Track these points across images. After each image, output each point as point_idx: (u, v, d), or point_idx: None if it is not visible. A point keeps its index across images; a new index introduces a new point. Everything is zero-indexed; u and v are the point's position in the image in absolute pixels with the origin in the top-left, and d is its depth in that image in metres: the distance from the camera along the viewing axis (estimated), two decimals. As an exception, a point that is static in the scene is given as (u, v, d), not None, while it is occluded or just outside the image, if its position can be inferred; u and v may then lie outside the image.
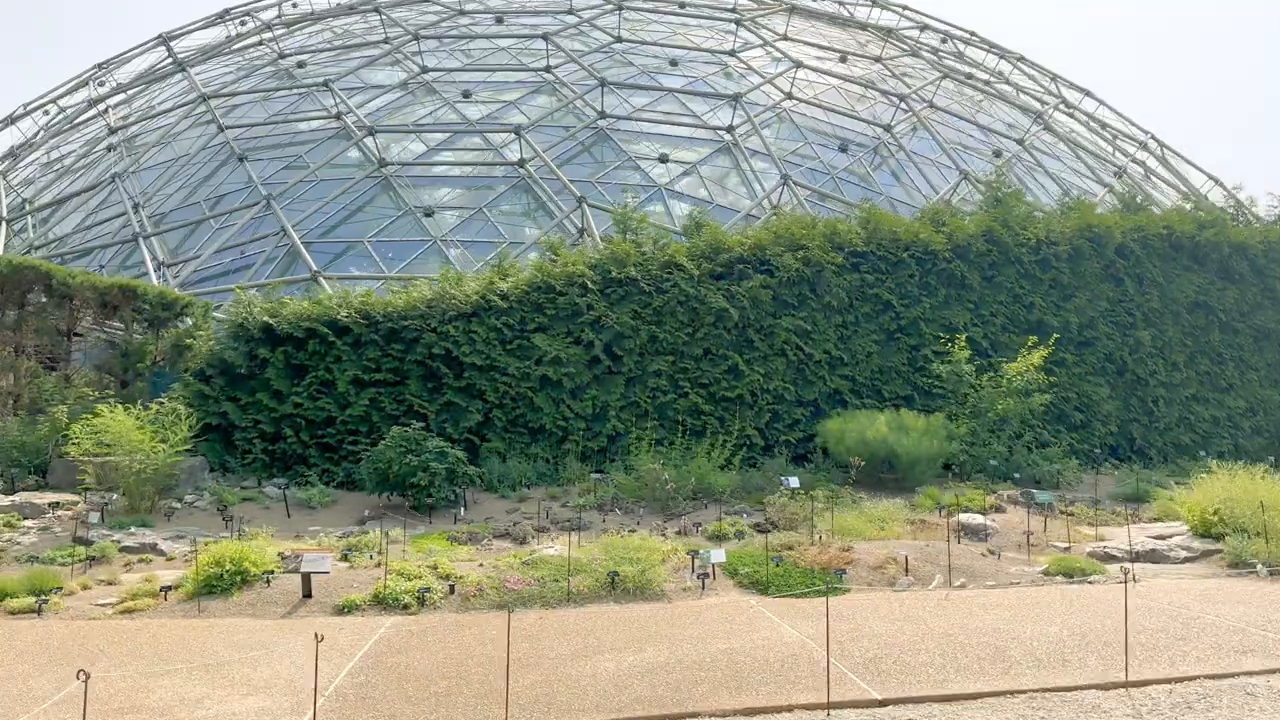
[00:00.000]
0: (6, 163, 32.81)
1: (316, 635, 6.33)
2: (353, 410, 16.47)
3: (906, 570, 9.86)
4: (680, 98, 28.91)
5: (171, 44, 38.36)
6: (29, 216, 28.79)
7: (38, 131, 35.82)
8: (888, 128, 28.23)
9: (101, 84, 36.28)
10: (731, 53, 30.98)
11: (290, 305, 17.07)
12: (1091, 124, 35.13)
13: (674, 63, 29.82)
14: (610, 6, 32.15)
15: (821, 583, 9.45)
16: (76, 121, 32.93)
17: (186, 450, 14.96)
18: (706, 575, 9.68)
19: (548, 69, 29.17)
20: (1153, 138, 35.24)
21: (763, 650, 7.43)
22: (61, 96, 37.53)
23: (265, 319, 16.60)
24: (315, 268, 22.76)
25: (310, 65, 31.21)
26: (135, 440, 14.61)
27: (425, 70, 29.55)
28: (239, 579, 10.08)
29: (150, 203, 26.77)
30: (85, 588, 10.89)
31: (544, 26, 31.69)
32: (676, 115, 28.19)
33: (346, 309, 16.67)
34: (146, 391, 18.27)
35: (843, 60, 31.37)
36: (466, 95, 28.22)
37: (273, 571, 10.28)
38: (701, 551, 10.08)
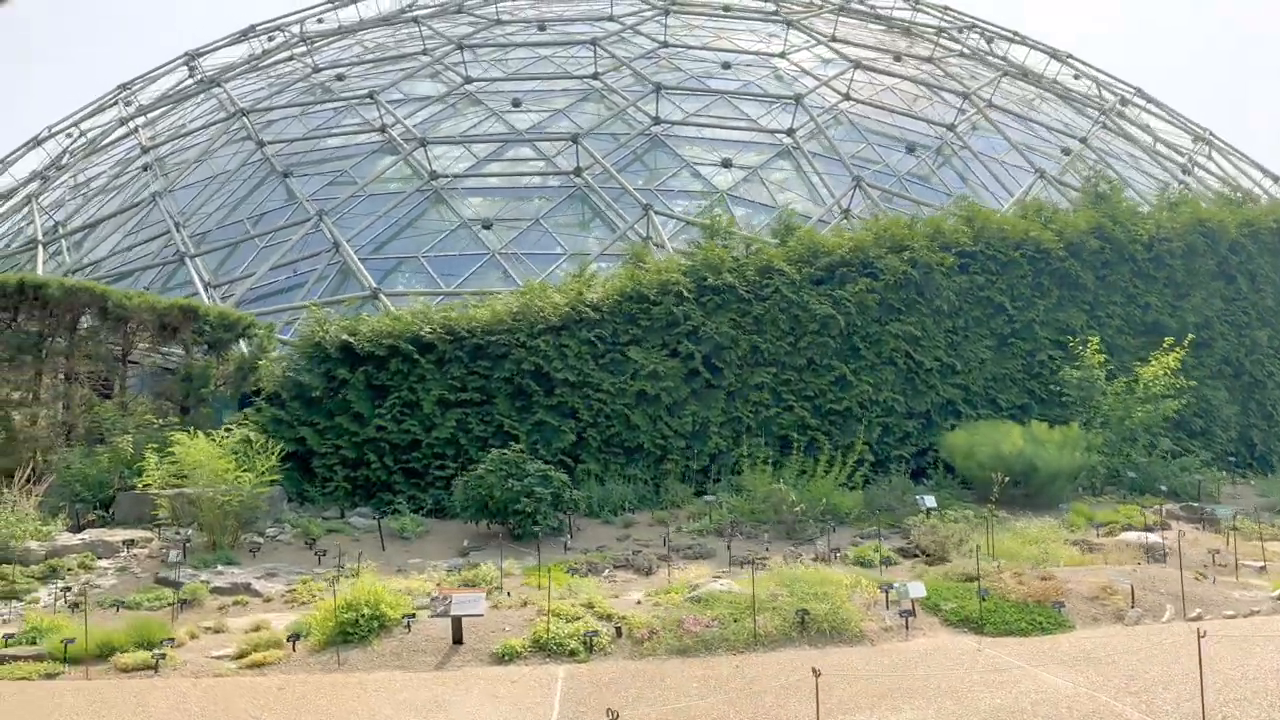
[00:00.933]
0: (34, 185, 31.84)
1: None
2: (439, 433, 15.40)
3: (1133, 601, 8.78)
4: (733, 101, 27.95)
5: (196, 62, 37.56)
6: (63, 240, 27.78)
7: (62, 154, 34.89)
8: (951, 127, 27.25)
9: (129, 104, 35.37)
10: (782, 54, 30.05)
11: (367, 322, 16.03)
12: (1147, 120, 34.17)
13: (726, 66, 28.87)
14: (654, 11, 31.25)
15: (1041, 618, 8.37)
16: (105, 142, 31.98)
17: (269, 480, 13.88)
18: (909, 613, 8.58)
19: (595, 76, 28.22)
20: (1210, 134, 34.27)
21: (1047, 707, 6.35)
22: (86, 118, 36.65)
23: (344, 337, 15.55)
24: (373, 284, 21.74)
25: (349, 79, 30.27)
26: (218, 470, 13.54)
27: (469, 80, 28.61)
28: (376, 624, 8.99)
29: (189, 222, 25.77)
30: (193, 636, 9.80)
31: (586, 34, 30.78)
32: (731, 119, 27.22)
33: (430, 325, 15.61)
34: (211, 418, 17.21)
35: (897, 60, 30.43)
36: (517, 104, 27.25)
37: (413, 615, 9.19)
38: (897, 585, 8.99)
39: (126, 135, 32.41)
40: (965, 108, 27.45)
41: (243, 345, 18.54)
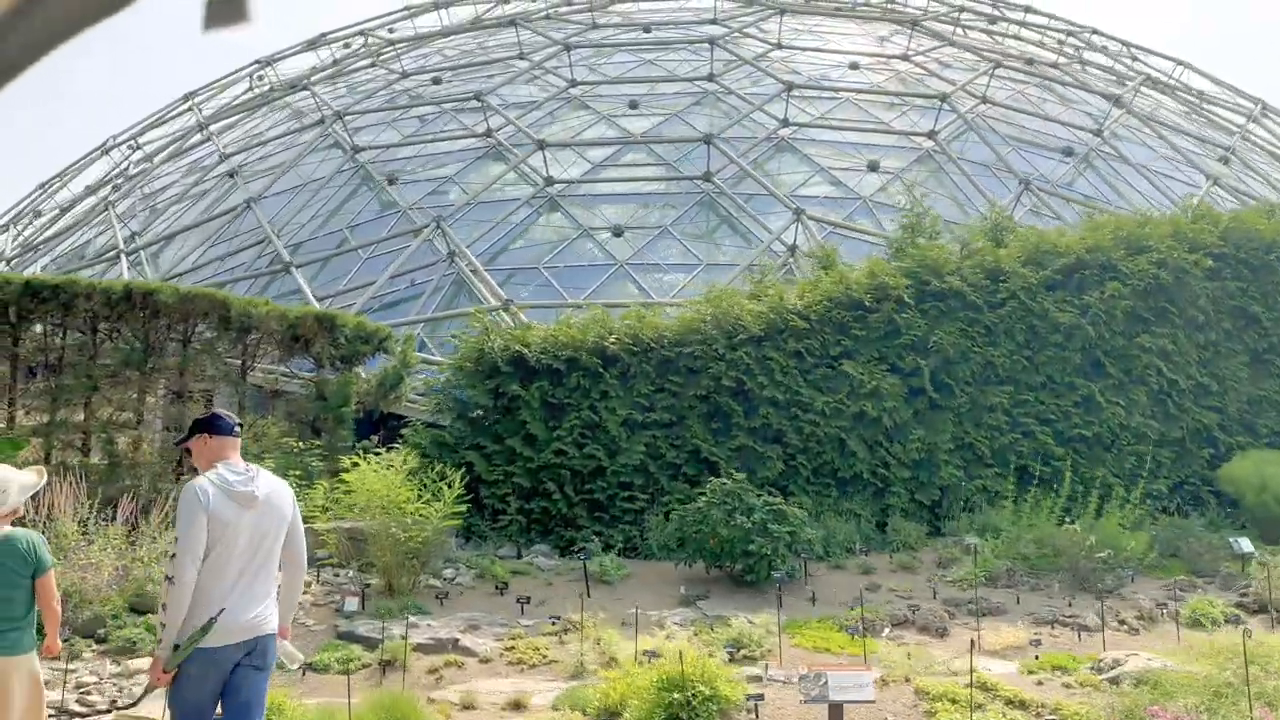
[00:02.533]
0: (104, 192, 30.11)
1: None
2: (626, 458, 13.31)
3: None
4: (859, 103, 26.02)
5: (267, 70, 35.96)
6: (141, 251, 25.94)
7: (122, 162, 33.18)
8: (1097, 131, 25.21)
9: (198, 112, 33.71)
10: (905, 57, 28.13)
11: (538, 331, 14.01)
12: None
13: (855, 66, 26.96)
14: (767, 11, 29.40)
15: None
16: (185, 147, 30.25)
17: (455, 513, 11.80)
18: None
19: (710, 77, 26.34)
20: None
21: None
22: (150, 128, 35.02)
23: (517, 348, 13.52)
24: (502, 295, 19.75)
25: (445, 83, 28.48)
26: (399, 503, 11.47)
27: (573, 84, 26.76)
28: (714, 708, 6.86)
29: (282, 233, 23.89)
30: (447, 717, 7.71)
31: (696, 35, 28.98)
32: (862, 122, 25.27)
33: (615, 334, 13.57)
34: (349, 441, 15.18)
35: (1029, 64, 28.45)
36: (634, 106, 25.37)
37: (760, 697, 7.04)
38: None
39: (201, 143, 30.69)
40: (1113, 111, 25.40)
41: (376, 360, 16.55)
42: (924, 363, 13.68)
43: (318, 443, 14.46)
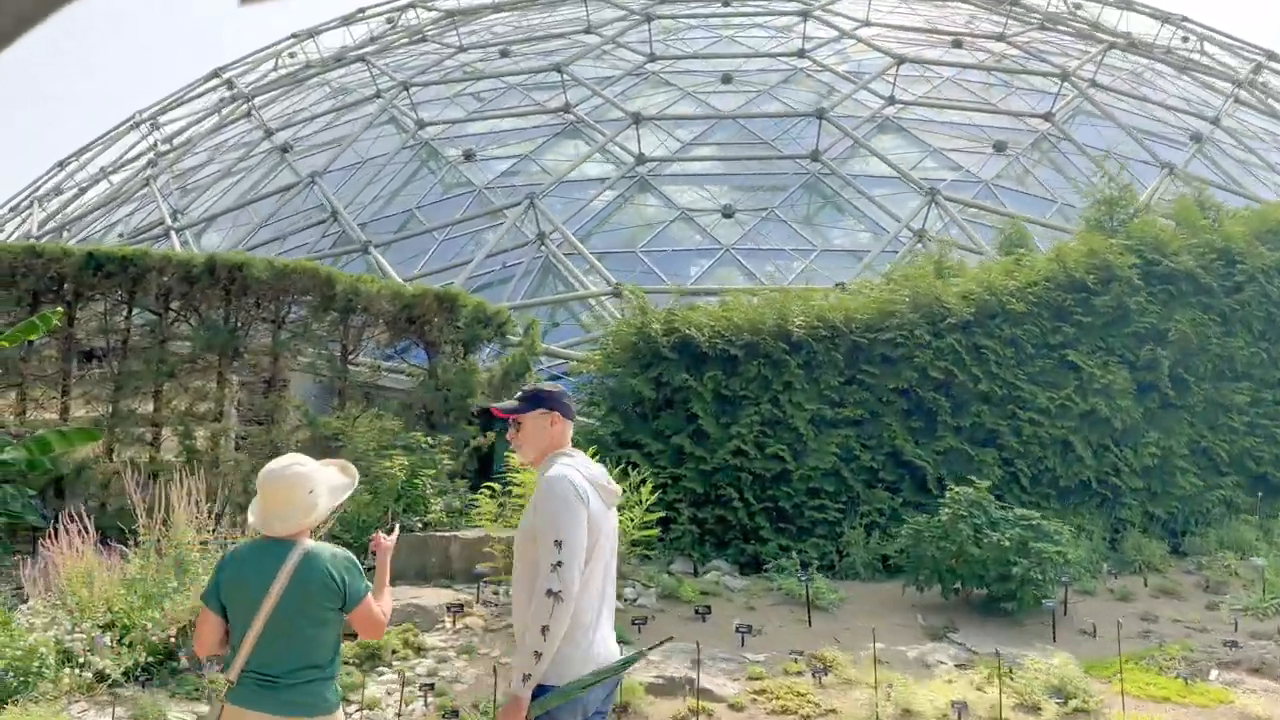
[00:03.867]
0: (136, 166, 27.98)
1: None
2: (816, 460, 11.41)
3: None
4: (964, 84, 24.23)
5: (305, 45, 33.95)
6: (185, 231, 23.85)
7: (144, 141, 31.03)
8: (1215, 121, 23.49)
9: (231, 87, 31.64)
10: (1000, 37, 26.39)
11: (706, 312, 12.11)
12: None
13: (958, 44, 25.19)
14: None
15: None
16: (225, 121, 28.16)
17: (651, 521, 9.88)
18: None
19: (801, 53, 24.52)
20: None
21: None
22: (176, 105, 32.93)
23: (688, 331, 11.62)
24: (611, 279, 17.86)
25: (512, 57, 26.54)
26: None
27: (653, 58, 24.88)
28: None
29: (344, 212, 21.89)
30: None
31: (775, 9, 27.17)
32: (967, 101, 23.49)
33: (801, 316, 11.69)
34: (475, 436, 13.23)
35: (1135, 46, 26.69)
36: (727, 80, 23.50)
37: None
38: None
39: (237, 119, 28.61)
40: (1237, 94, 23.60)
41: (486, 348, 14.62)
42: (1162, 354, 11.82)
43: (446, 438, 12.49)
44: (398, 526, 4.84)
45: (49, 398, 15.33)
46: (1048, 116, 22.10)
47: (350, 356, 14.34)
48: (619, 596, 10.06)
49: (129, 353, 15.07)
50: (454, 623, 9.58)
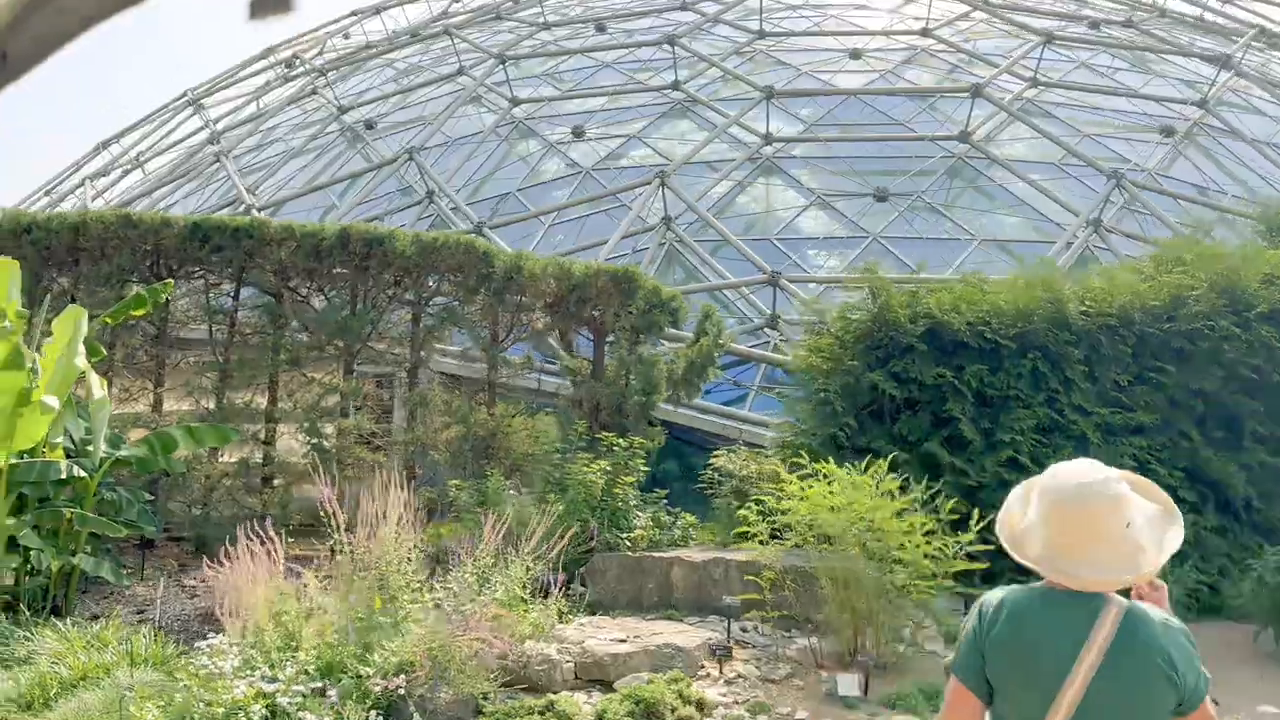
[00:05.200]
0: (192, 145, 26.07)
1: None
2: (1102, 475, 9.45)
3: None
4: (1098, 69, 22.42)
5: (350, 28, 32.14)
6: (258, 213, 21.91)
7: (188, 118, 29.12)
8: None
9: (290, 66, 29.78)
10: (1128, 23, 24.55)
11: (958, 293, 10.22)
12: None
13: (1095, 26, 23.37)
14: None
15: None
16: (293, 99, 26.26)
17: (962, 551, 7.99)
18: None
19: (925, 32, 22.70)
20: None
21: None
22: (228, 84, 31.05)
23: (944, 316, 9.74)
24: (765, 266, 16.01)
25: (608, 33, 24.69)
26: (890, 529, 7.67)
27: (761, 35, 23.05)
28: None
29: (443, 191, 20.02)
30: None
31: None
32: (1110, 86, 21.68)
33: (1081, 299, 9.81)
34: (659, 439, 11.33)
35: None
36: (856, 56, 21.67)
37: None
38: None
39: (304, 97, 26.72)
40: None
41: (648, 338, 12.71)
42: None
43: (640, 441, 10.58)
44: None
45: (140, 388, 13.45)
46: (1202, 103, 20.23)
47: (502, 343, 12.43)
48: (897, 637, 8.16)
49: (237, 338, 13.20)
50: (720, 670, 7.67)
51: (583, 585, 9.23)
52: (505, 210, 19.61)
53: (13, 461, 9.03)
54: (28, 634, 8.13)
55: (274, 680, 6.53)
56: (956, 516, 7.90)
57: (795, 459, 9.66)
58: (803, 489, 7.91)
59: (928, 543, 7.61)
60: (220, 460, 12.87)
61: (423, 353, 12.34)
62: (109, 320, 11.36)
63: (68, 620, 8.69)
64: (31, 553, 9.08)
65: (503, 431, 11.51)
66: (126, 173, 28.78)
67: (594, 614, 8.87)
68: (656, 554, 9.27)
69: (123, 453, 9.88)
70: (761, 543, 8.01)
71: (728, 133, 19.90)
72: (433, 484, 12.25)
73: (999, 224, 18.37)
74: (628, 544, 9.44)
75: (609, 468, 9.67)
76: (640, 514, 9.86)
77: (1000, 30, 23.81)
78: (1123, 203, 17.89)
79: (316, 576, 7.84)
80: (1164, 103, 20.98)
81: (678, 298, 12.17)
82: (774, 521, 8.03)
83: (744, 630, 8.48)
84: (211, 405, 12.88)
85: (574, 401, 11.75)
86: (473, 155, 20.90)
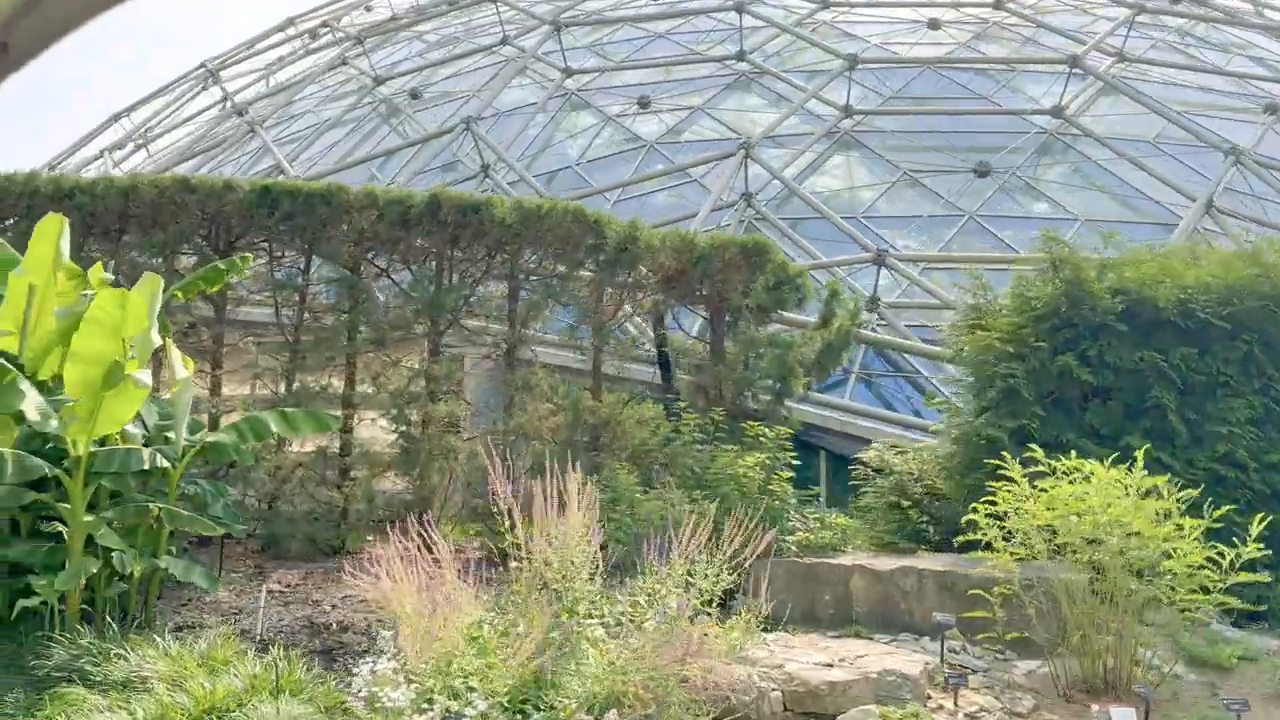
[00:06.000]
0: (236, 119, 24.66)
1: None
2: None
3: None
4: (1174, 46, 21.33)
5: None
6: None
7: (199, 89, 27.71)
8: None
9: (314, 37, 28.39)
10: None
11: (1153, 265, 9.08)
12: None
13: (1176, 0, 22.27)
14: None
15: None
16: (333, 64, 24.87)
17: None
18: None
19: (998, 4, 21.55)
20: None
21: None
22: (248, 55, 29.61)
23: (1144, 291, 8.62)
24: (870, 244, 14.86)
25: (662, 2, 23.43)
26: (1152, 534, 6.53)
27: (826, 5, 21.83)
28: None
29: (498, 165, 18.78)
30: None
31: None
32: (1191, 63, 20.62)
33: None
34: (796, 429, 10.14)
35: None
36: (935, 26, 20.52)
37: None
38: None
39: (334, 67, 25.35)
40: None
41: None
42: None
43: (787, 430, 9.40)
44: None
45: (197, 371, 12.15)
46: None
47: (608, 322, 11.21)
48: (1134, 660, 7.00)
49: (307, 316, 11.94)
50: (955, 701, 6.51)
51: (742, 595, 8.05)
52: (562, 186, 18.38)
53: (91, 449, 7.77)
54: (120, 650, 6.92)
55: (460, 716, 5.35)
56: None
57: (978, 456, 8.55)
58: (1036, 488, 6.77)
59: (1200, 551, 6.46)
60: (290, 450, 11.60)
61: (522, 331, 11.10)
62: (181, 295, 10.12)
63: (153, 633, 7.50)
64: (113, 555, 7.82)
65: (616, 420, 10.30)
66: (139, 147, 27.38)
67: (766, 630, 7.69)
68: (831, 560, 8.11)
69: (211, 439, 8.62)
70: (990, 549, 6.84)
71: (794, 103, 18.72)
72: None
73: (1094, 203, 17.27)
74: (793, 549, 8.26)
75: (765, 461, 8.48)
76: (803, 513, 8.69)
77: (1067, 4, 22.75)
78: (1226, 183, 16.83)
79: (469, 583, 6.65)
80: (1250, 80, 19.93)
81: (804, 275, 10.99)
82: (1004, 526, 6.86)
83: (954, 652, 7.33)
84: (281, 389, 11.64)
85: (696, 388, 10.53)
86: (526, 127, 19.64)
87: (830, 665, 6.60)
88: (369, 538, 11.61)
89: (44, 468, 7.46)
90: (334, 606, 8.84)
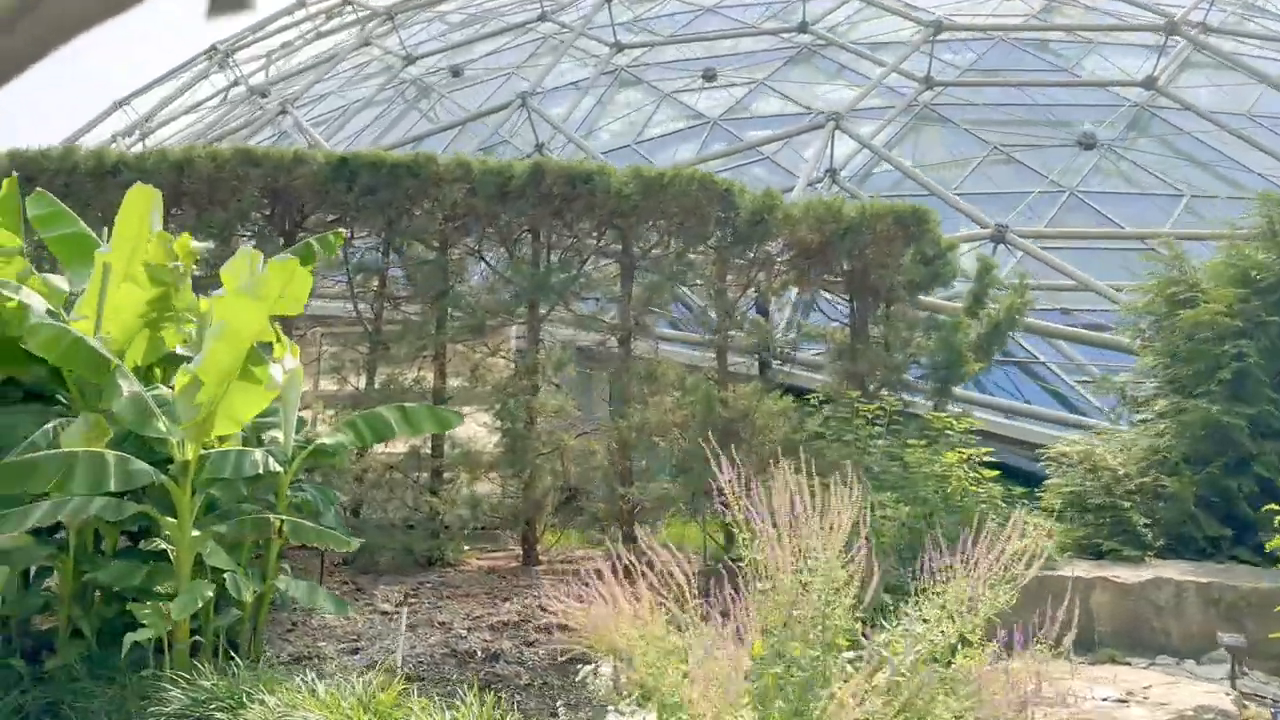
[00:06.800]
0: (261, 101, 23.30)
1: None
2: None
3: None
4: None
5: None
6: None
7: (210, 72, 26.35)
8: None
9: (329, 17, 27.05)
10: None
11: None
12: None
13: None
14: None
15: None
16: (360, 41, 23.54)
17: None
18: None
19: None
20: None
21: None
22: (259, 38, 28.21)
23: None
24: (985, 219, 13.77)
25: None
26: None
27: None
28: None
29: (552, 142, 17.59)
30: None
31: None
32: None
33: None
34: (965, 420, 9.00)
35: None
36: None
37: None
38: None
39: (360, 46, 24.04)
40: None
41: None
42: None
43: (971, 419, 8.29)
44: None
45: (259, 364, 10.91)
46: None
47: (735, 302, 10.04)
48: None
49: (386, 304, 10.75)
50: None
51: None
52: (621, 165, 17.18)
53: (201, 452, 6.57)
54: (252, 690, 5.74)
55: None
56: None
57: (1207, 449, 7.47)
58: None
59: None
60: (377, 451, 10.39)
61: (638, 317, 9.93)
62: (269, 272, 8.88)
63: (264, 665, 6.35)
64: (225, 576, 6.62)
65: (755, 411, 9.16)
66: (144, 136, 25.96)
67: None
68: (1061, 572, 6.99)
69: (328, 440, 7.41)
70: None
71: (863, 75, 17.63)
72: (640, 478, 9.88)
73: (1193, 177, 16.26)
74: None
75: (965, 457, 7.36)
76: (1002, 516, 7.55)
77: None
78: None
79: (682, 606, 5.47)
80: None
81: (956, 248, 9.87)
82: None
83: (1238, 678, 6.24)
84: (361, 384, 10.45)
85: (845, 376, 9.39)
86: (578, 105, 18.45)
87: (1124, 702, 5.50)
88: (465, 548, 10.57)
89: (150, 473, 6.23)
90: (468, 630, 7.65)
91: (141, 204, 6.89)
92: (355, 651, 7.29)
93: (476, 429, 10.23)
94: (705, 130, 17.38)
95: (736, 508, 5.33)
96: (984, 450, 7.86)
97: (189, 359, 6.93)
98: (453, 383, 10.50)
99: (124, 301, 6.96)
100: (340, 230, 9.32)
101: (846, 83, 18.04)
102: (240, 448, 6.94)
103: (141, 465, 6.24)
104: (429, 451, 10.25)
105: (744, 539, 5.28)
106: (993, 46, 18.54)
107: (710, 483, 5.51)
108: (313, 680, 5.84)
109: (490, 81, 20.18)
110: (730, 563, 5.57)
